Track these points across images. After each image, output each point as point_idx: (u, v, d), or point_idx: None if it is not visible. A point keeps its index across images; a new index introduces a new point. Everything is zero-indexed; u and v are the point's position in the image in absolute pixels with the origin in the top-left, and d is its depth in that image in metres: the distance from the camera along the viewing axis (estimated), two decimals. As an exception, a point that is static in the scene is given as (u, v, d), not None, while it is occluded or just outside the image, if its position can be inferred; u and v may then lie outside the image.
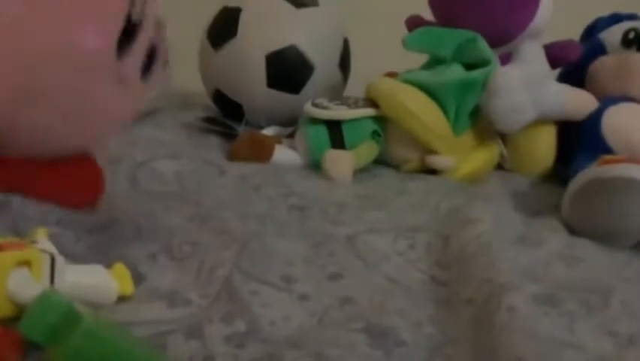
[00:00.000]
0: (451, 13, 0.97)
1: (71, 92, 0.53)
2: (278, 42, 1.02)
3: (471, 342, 0.47)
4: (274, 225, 0.64)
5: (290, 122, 0.99)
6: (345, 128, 0.87)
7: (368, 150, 0.88)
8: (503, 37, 0.95)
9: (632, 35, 0.95)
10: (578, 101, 0.89)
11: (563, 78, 1.01)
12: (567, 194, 0.71)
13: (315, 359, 0.43)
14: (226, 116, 1.08)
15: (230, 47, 1.04)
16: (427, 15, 1.04)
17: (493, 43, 0.91)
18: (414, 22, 1.05)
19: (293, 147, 0.89)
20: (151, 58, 0.57)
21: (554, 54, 0.95)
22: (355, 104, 0.90)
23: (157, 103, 1.03)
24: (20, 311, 0.39)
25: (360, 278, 0.56)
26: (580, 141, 0.86)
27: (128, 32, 0.54)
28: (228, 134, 0.97)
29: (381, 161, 0.91)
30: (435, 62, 0.94)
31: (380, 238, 0.64)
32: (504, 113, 0.86)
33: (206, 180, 0.76)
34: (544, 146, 0.93)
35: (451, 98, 0.88)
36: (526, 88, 0.86)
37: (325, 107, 0.88)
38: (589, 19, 1.07)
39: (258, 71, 1.03)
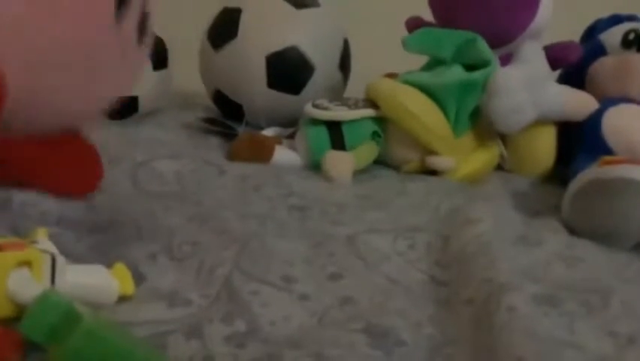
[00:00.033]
0: (451, 14, 0.97)
1: (77, 56, 0.54)
2: (278, 43, 1.02)
3: (471, 342, 0.47)
4: (274, 225, 0.65)
5: (290, 123, 0.99)
6: (345, 128, 0.87)
7: (368, 151, 0.88)
8: (503, 38, 0.95)
9: (632, 36, 0.95)
10: (578, 102, 0.89)
11: (563, 79, 1.01)
12: (567, 195, 0.71)
13: (315, 359, 0.43)
14: (226, 116, 1.08)
15: (231, 47, 1.04)
16: (427, 16, 1.04)
17: (493, 44, 0.91)
18: (414, 23, 1.05)
19: (293, 148, 0.89)
20: (143, 22, 0.60)
21: (554, 55, 0.95)
22: (355, 105, 0.90)
23: (157, 103, 1.03)
24: (21, 311, 0.39)
25: (360, 278, 0.56)
26: (580, 141, 0.86)
27: None
28: (228, 135, 0.97)
29: (381, 161, 0.91)
30: (435, 63, 0.94)
31: (380, 238, 0.64)
32: (504, 113, 0.86)
33: (206, 181, 0.76)
34: (544, 147, 0.93)
35: (451, 99, 0.88)
36: (527, 89, 0.86)
37: (325, 108, 0.88)
38: (589, 21, 1.07)
39: (259, 72, 1.03)
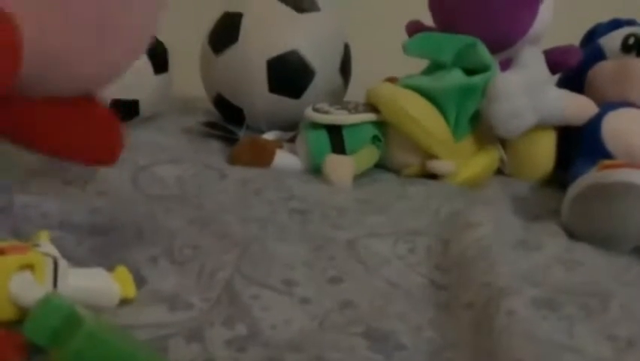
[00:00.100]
0: (451, 19, 0.98)
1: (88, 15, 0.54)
2: (279, 47, 1.03)
3: (471, 346, 0.47)
4: (275, 229, 0.65)
5: (291, 127, 0.99)
6: (345, 133, 0.88)
7: (368, 155, 0.88)
8: (503, 43, 0.95)
9: (631, 41, 0.96)
10: (577, 107, 0.89)
11: (563, 84, 1.01)
12: (567, 199, 0.71)
13: (316, 363, 0.43)
14: (227, 120, 1.09)
15: (232, 51, 1.04)
16: (427, 20, 1.04)
17: (493, 49, 0.92)
18: (414, 28, 1.06)
19: (294, 152, 0.89)
20: None
21: (554, 59, 0.95)
22: (356, 109, 0.90)
23: (158, 107, 1.04)
24: (23, 314, 0.40)
25: (361, 282, 0.56)
26: (579, 146, 0.86)
27: None
28: (229, 139, 0.97)
29: (381, 165, 0.91)
30: (435, 68, 0.94)
31: (380, 242, 0.64)
32: (504, 118, 0.86)
33: (207, 184, 0.76)
34: (543, 151, 0.93)
35: (451, 104, 0.88)
36: (526, 93, 0.86)
37: (326, 112, 0.89)
38: (588, 25, 1.07)
39: (259, 76, 1.03)
